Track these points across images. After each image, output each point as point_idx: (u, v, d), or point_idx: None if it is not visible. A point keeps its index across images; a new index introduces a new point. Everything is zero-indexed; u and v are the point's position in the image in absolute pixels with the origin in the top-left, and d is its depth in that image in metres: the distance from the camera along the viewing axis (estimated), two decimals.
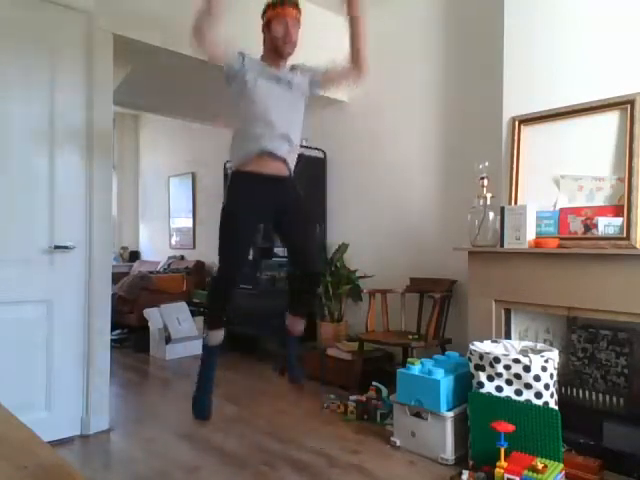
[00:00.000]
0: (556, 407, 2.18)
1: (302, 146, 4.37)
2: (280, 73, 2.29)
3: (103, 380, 2.84)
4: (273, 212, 2.27)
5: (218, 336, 2.33)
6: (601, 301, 2.26)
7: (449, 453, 2.39)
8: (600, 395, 2.45)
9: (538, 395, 2.19)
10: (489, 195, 2.78)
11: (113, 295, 3.09)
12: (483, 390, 2.29)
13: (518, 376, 2.22)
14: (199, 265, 5.92)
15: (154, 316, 4.72)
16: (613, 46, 2.43)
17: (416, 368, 2.56)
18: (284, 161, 2.26)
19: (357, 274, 4.03)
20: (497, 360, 2.26)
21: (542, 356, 2.23)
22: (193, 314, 4.89)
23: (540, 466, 1.92)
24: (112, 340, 3.05)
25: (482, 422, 2.20)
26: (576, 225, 2.45)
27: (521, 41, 2.75)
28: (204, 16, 2.06)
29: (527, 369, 2.20)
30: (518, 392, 2.23)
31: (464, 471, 2.16)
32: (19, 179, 2.54)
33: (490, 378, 2.28)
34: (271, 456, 2.49)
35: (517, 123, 2.74)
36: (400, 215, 3.88)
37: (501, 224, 2.63)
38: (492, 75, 3.12)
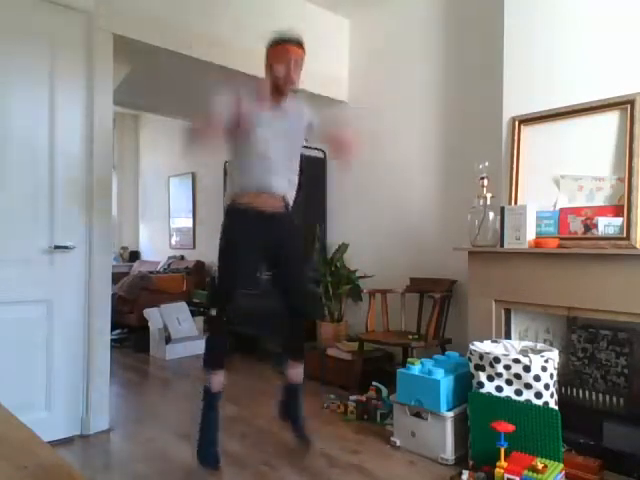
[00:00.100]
0: (556, 407, 2.18)
1: (302, 146, 4.39)
2: (280, 110, 2.26)
3: (103, 380, 2.84)
4: (270, 246, 2.27)
5: (220, 379, 2.30)
6: (601, 301, 2.26)
7: (449, 453, 2.39)
8: (600, 395, 2.45)
9: (538, 395, 2.19)
10: (489, 195, 2.78)
11: (113, 295, 3.09)
12: (483, 390, 2.29)
13: (518, 376, 2.22)
14: (199, 265, 5.92)
15: (154, 316, 4.72)
16: (613, 46, 2.43)
17: (416, 368, 2.56)
18: (282, 198, 2.26)
19: (357, 274, 4.03)
20: (497, 360, 2.26)
21: (542, 356, 2.23)
22: (193, 314, 4.89)
23: (540, 466, 1.92)
24: (112, 340, 3.05)
25: (482, 422, 2.20)
26: (576, 225, 2.45)
27: (521, 41, 2.75)
28: (204, 137, 2.10)
29: (527, 369, 2.20)
30: (518, 392, 2.23)
31: (464, 471, 2.16)
32: (19, 179, 2.54)
33: (490, 378, 2.28)
34: (271, 456, 2.49)
35: (517, 123, 2.74)
36: (400, 215, 3.88)
37: (501, 224, 2.63)
38: (492, 75, 3.12)
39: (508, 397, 2.23)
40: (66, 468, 0.85)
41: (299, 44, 2.22)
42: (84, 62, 2.74)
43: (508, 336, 2.63)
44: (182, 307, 4.87)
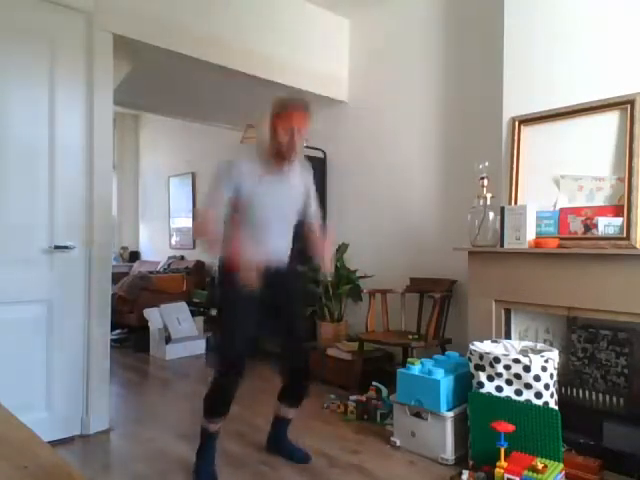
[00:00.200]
0: (556, 407, 2.18)
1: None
2: (281, 174, 2.23)
3: (103, 380, 2.84)
4: (270, 302, 2.24)
5: (220, 424, 2.27)
6: (601, 301, 2.26)
7: (449, 453, 2.39)
8: (600, 395, 2.45)
9: (538, 395, 2.19)
10: (489, 195, 2.78)
11: (113, 295, 3.10)
12: (483, 390, 2.29)
13: (518, 376, 2.22)
14: (199, 265, 5.92)
15: (154, 316, 4.72)
16: (613, 46, 2.43)
17: (416, 368, 2.56)
18: (279, 259, 2.27)
19: (357, 274, 4.03)
20: (497, 360, 2.26)
21: (542, 356, 2.23)
22: (193, 314, 4.90)
23: (540, 466, 1.92)
24: (112, 340, 3.05)
25: (482, 422, 2.20)
26: (576, 225, 2.45)
27: (521, 41, 2.75)
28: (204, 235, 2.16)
29: (527, 369, 2.20)
30: (518, 392, 2.23)
31: (464, 471, 2.16)
32: (19, 179, 2.54)
33: (490, 378, 2.28)
34: (271, 456, 2.48)
35: (517, 123, 2.74)
36: (400, 215, 3.88)
37: (501, 224, 2.63)
38: (492, 75, 3.12)
39: (508, 397, 2.23)
40: (66, 468, 0.85)
41: (305, 110, 2.16)
42: (84, 62, 2.73)
43: (508, 336, 2.63)
44: (182, 307, 4.87)
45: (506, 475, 1.94)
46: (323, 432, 2.79)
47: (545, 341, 2.69)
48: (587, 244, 2.37)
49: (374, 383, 3.10)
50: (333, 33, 4.20)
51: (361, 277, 4.00)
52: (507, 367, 2.24)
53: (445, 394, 2.41)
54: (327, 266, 2.27)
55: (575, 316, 2.49)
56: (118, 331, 5.11)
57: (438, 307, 3.16)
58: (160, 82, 4.00)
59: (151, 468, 2.37)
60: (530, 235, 2.52)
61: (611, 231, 2.34)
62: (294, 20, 3.85)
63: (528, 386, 2.20)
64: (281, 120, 2.12)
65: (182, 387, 3.81)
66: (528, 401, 2.19)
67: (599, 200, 2.44)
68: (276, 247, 2.25)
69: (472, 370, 2.36)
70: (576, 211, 2.47)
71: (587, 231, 2.41)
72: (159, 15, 3.05)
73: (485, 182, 2.79)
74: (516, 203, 2.69)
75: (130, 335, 5.12)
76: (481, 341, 2.50)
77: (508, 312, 2.65)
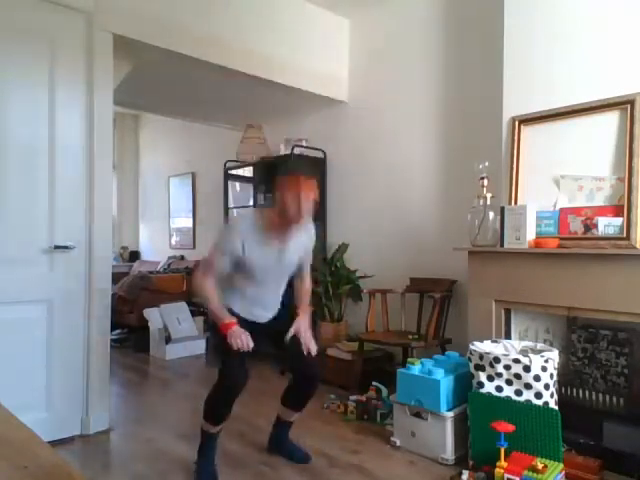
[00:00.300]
0: (556, 407, 2.18)
1: (302, 146, 4.39)
2: (284, 238, 2.24)
3: (103, 380, 2.84)
4: (269, 337, 2.35)
5: (219, 426, 2.27)
6: (601, 301, 2.26)
7: (449, 453, 2.39)
8: (600, 395, 2.45)
9: (538, 395, 2.19)
10: (489, 195, 2.78)
11: (113, 295, 3.10)
12: (483, 390, 2.29)
13: (518, 376, 2.22)
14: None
15: (154, 316, 4.72)
16: (613, 46, 2.43)
17: (416, 368, 2.56)
18: (272, 313, 2.36)
19: (357, 274, 4.03)
20: (497, 360, 2.26)
21: (542, 356, 2.23)
22: (193, 314, 4.89)
23: (540, 466, 1.92)
24: (112, 340, 3.05)
25: (482, 422, 2.20)
26: (576, 225, 2.45)
27: (521, 41, 2.75)
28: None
29: (527, 369, 2.20)
30: (518, 392, 2.23)
31: (464, 471, 2.16)
32: (19, 179, 2.54)
33: (490, 378, 2.28)
34: (271, 456, 2.48)
35: (517, 123, 2.74)
36: (400, 215, 3.88)
37: (501, 224, 2.62)
38: (492, 75, 3.12)
39: (508, 397, 2.23)
40: (66, 468, 0.85)
41: (312, 176, 2.21)
42: (84, 62, 2.73)
43: (508, 336, 2.63)
44: (182, 307, 4.87)
45: (506, 475, 1.94)
46: (323, 432, 2.79)
47: (545, 341, 2.69)
48: (587, 244, 2.37)
49: (374, 383, 3.10)
50: (333, 33, 4.19)
51: (361, 277, 4.00)
52: (507, 367, 2.24)
53: (445, 394, 2.41)
54: (308, 344, 2.33)
55: (575, 316, 2.49)
56: (118, 331, 5.11)
57: (438, 307, 3.16)
58: (160, 82, 4.00)
59: (151, 468, 2.37)
60: (530, 235, 2.52)
61: (611, 231, 2.34)
62: (294, 20, 3.85)
63: (528, 386, 2.20)
64: (288, 183, 2.13)
65: (182, 387, 3.81)
66: (528, 401, 2.19)
67: (599, 200, 2.44)
68: (270, 303, 2.35)
69: (472, 370, 2.36)
70: (576, 211, 2.47)
71: (587, 231, 2.41)
72: (159, 15, 3.05)
73: (485, 182, 2.79)
74: (516, 203, 2.69)
75: (130, 335, 5.12)
76: (481, 341, 2.50)
77: (508, 312, 2.65)
